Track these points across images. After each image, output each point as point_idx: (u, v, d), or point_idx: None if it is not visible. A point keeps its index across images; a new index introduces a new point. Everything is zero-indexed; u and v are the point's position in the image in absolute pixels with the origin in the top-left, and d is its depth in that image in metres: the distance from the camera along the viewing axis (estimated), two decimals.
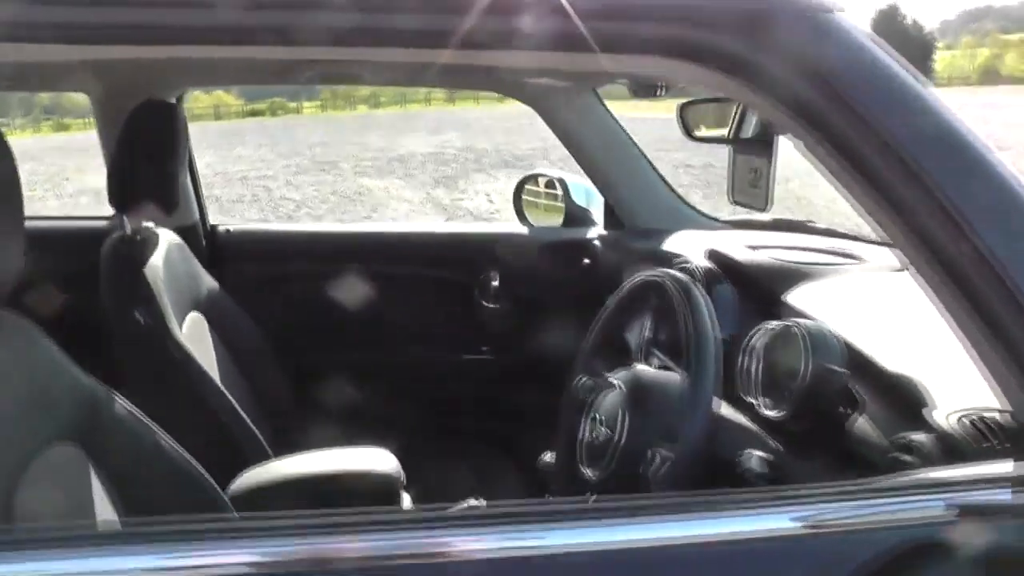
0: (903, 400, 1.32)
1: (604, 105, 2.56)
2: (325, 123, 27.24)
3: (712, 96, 1.92)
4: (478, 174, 15.07)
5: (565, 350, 2.73)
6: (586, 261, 2.62)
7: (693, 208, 2.70)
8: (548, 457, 1.84)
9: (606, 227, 2.73)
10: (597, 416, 1.46)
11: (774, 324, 1.54)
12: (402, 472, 1.74)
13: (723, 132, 1.88)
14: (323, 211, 11.87)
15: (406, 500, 1.78)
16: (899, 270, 1.85)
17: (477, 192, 13.26)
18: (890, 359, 1.39)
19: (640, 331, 1.77)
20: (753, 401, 1.53)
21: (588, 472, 1.46)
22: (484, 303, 2.64)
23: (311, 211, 11.84)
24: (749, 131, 1.83)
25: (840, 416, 1.37)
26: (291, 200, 12.74)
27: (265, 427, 1.97)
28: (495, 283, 2.63)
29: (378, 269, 2.57)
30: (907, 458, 1.18)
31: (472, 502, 1.96)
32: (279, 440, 1.99)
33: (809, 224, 2.49)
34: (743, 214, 2.78)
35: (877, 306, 1.70)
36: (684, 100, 1.94)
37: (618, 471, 1.38)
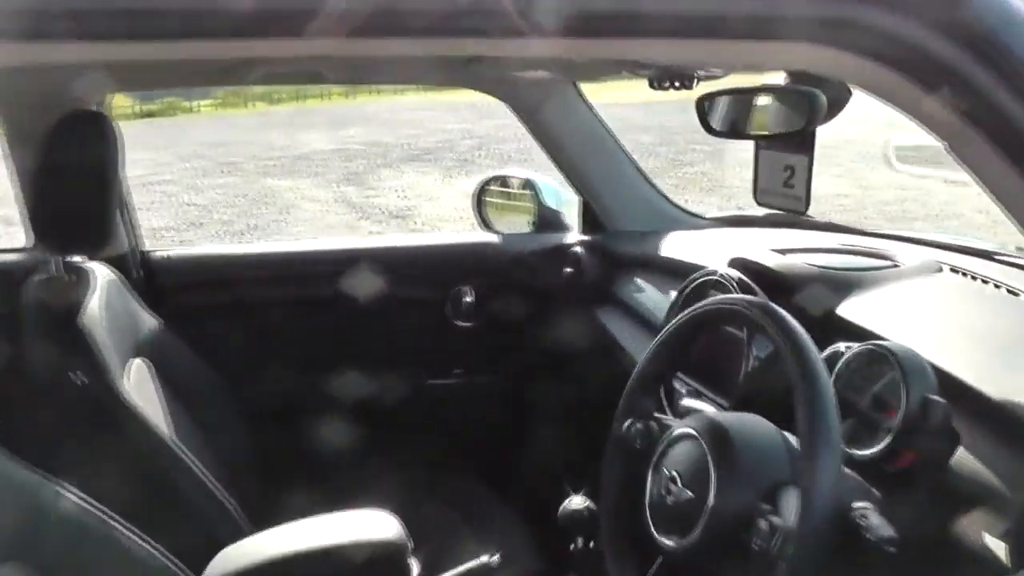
0: (1007, 428, 1.12)
1: (585, 99, 2.32)
2: (223, 122, 26.37)
3: (734, 88, 1.69)
4: (385, 169, 14.65)
5: (552, 370, 2.50)
6: (568, 269, 2.36)
7: (677, 206, 2.47)
8: (577, 504, 1.59)
9: (583, 231, 2.49)
10: (670, 472, 1.20)
11: (849, 347, 1.32)
12: (407, 536, 1.49)
13: (749, 128, 1.65)
14: (231, 215, 11.33)
15: (414, 569, 1.53)
16: (936, 271, 1.65)
17: (388, 188, 12.89)
18: (984, 381, 1.19)
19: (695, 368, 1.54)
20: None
21: (664, 539, 1.20)
22: (456, 322, 2.37)
23: (220, 216, 11.31)
24: (781, 126, 1.60)
25: (942, 453, 1.15)
26: (196, 205, 12.17)
27: (232, 490, 1.68)
28: (468, 299, 2.36)
29: (337, 291, 2.29)
30: None
31: (485, 559, 1.71)
32: (248, 503, 1.71)
33: (807, 219, 2.30)
34: (729, 211, 2.58)
35: (944, 318, 1.48)
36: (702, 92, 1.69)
37: (710, 539, 1.13)
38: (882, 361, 1.22)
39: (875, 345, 1.25)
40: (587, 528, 1.59)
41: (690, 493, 1.16)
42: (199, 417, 1.90)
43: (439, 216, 10.57)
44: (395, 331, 2.36)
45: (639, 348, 1.98)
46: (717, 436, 1.17)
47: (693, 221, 2.45)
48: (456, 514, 1.94)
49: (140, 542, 1.27)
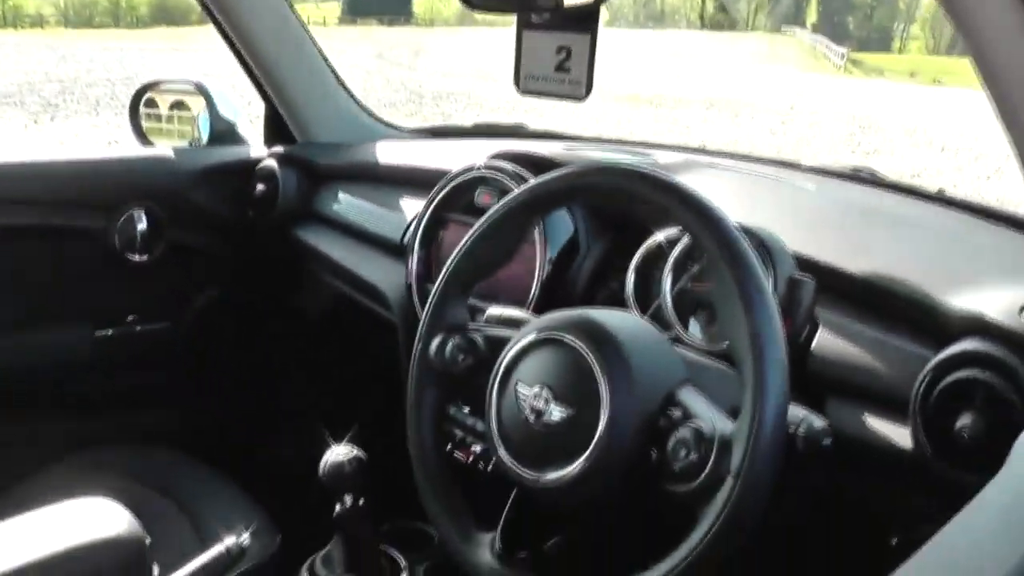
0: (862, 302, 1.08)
1: None
2: None
3: None
4: None
5: (255, 305, 2.14)
6: (260, 187, 2.01)
7: (376, 117, 2.20)
8: (341, 455, 1.30)
9: (267, 143, 2.15)
10: (533, 388, 0.96)
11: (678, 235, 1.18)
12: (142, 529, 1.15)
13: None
14: None
15: (154, 569, 1.19)
16: (710, 167, 1.57)
17: None
18: (829, 258, 1.14)
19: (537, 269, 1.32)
20: (681, 331, 1.16)
21: (531, 473, 0.95)
22: (128, 255, 1.93)
23: None
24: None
25: (807, 335, 1.08)
26: None
27: None
28: (141, 226, 1.93)
29: None
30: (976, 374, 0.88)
31: (234, 540, 1.40)
32: None
33: (523, 128, 2.14)
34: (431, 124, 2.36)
35: (754, 204, 1.38)
36: None
37: (604, 464, 0.90)
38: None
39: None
40: (354, 482, 1.31)
41: (569, 410, 0.93)
42: None
43: None
44: (47, 271, 1.88)
45: (370, 267, 1.73)
46: (598, 334, 0.94)
47: (395, 132, 2.20)
48: (176, 496, 1.56)
49: None
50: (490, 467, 1.39)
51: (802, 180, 1.53)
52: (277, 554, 1.48)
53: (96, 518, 1.14)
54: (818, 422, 0.93)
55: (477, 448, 1.42)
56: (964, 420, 0.86)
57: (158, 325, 2.02)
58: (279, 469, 1.84)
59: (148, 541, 1.14)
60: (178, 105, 2.18)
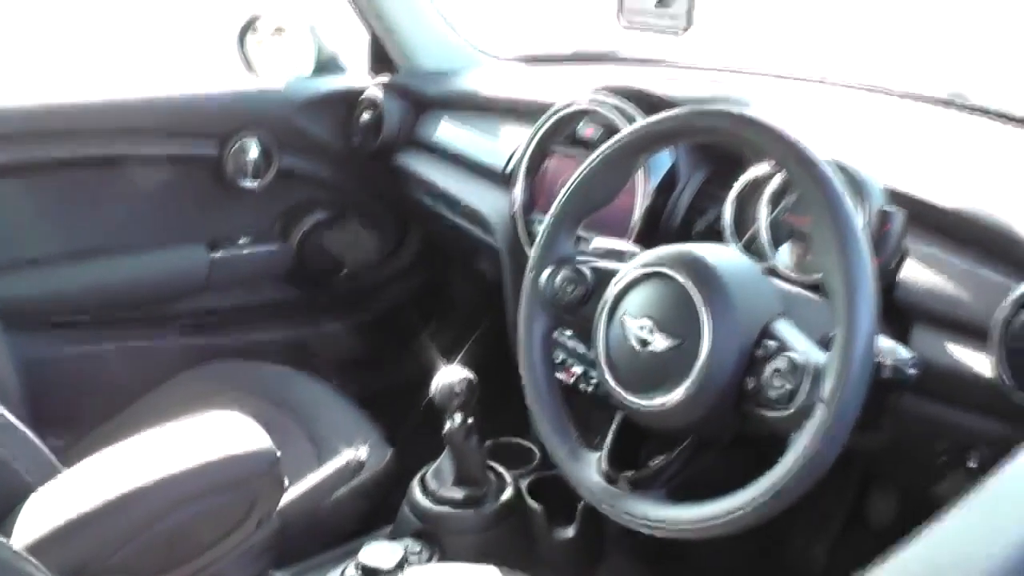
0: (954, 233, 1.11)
1: None
2: None
3: None
4: None
5: (363, 230, 2.23)
6: (365, 116, 2.08)
7: (474, 45, 2.24)
8: (453, 376, 1.39)
9: (371, 71, 2.21)
10: (639, 318, 1.03)
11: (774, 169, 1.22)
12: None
13: None
14: None
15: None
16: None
17: None
18: (944, 195, 1.15)
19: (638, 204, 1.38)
20: (776, 262, 1.21)
21: (637, 398, 1.03)
22: (240, 181, 2.03)
23: None
24: None
25: (896, 263, 1.13)
26: None
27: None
28: (252, 154, 2.02)
29: (84, 153, 1.88)
30: None
31: (352, 453, 1.50)
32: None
33: (615, 54, 2.16)
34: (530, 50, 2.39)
35: (845, 133, 1.40)
36: None
37: (705, 390, 0.98)
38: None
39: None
40: (462, 401, 1.39)
41: (673, 340, 1.00)
42: None
43: None
44: (165, 197, 1.99)
45: (473, 195, 1.79)
46: (701, 270, 1.01)
47: (492, 59, 2.24)
48: (293, 410, 1.68)
49: None
50: (590, 388, 1.47)
51: (895, 105, 1.55)
52: (390, 467, 1.58)
53: (230, 432, 1.24)
54: (904, 353, 0.98)
55: (578, 369, 1.50)
56: None
57: (269, 247, 2.13)
58: (391, 386, 1.94)
59: (279, 454, 1.24)
60: (281, 35, 2.25)
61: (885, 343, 0.99)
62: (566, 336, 1.48)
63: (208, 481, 1.18)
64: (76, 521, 1.09)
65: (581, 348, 1.48)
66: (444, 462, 1.45)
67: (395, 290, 2.28)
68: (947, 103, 1.58)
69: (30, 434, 1.24)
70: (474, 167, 1.83)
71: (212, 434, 1.24)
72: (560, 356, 1.50)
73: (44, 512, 1.12)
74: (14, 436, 1.22)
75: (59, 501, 1.13)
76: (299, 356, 1.95)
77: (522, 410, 1.22)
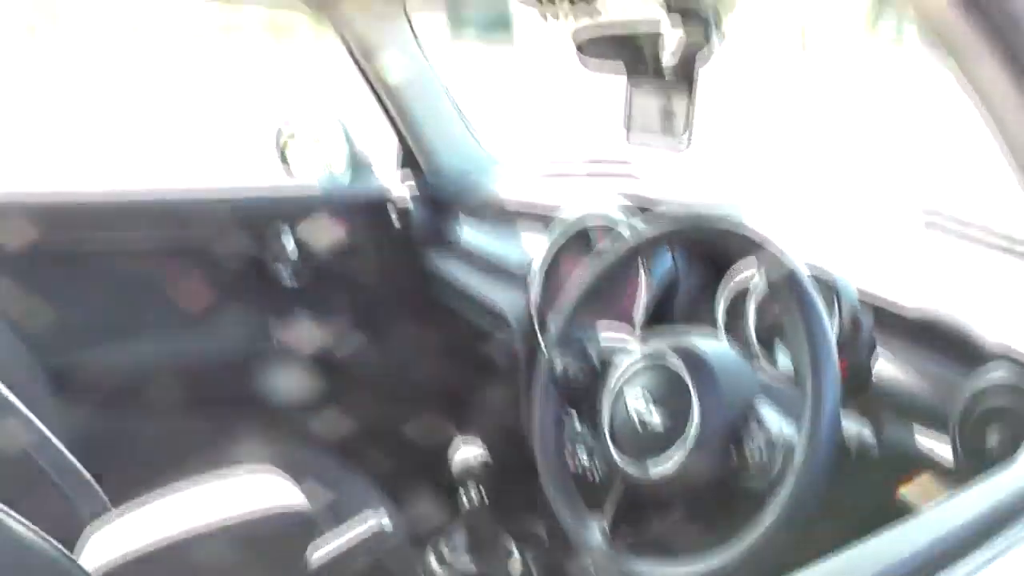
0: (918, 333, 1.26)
1: (416, 37, 2.21)
2: None
3: (614, 22, 1.67)
4: None
5: (394, 321, 2.40)
6: (395, 217, 2.26)
7: (495, 153, 2.44)
8: (470, 453, 1.53)
9: (399, 175, 2.40)
10: (639, 397, 1.18)
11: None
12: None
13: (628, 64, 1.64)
14: None
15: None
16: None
17: None
18: (910, 302, 1.31)
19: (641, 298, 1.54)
20: (761, 356, 1.36)
21: (634, 468, 1.18)
22: (277, 276, 2.20)
23: None
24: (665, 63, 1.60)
25: (867, 359, 1.28)
26: None
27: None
28: (290, 249, 2.19)
29: (137, 245, 2.06)
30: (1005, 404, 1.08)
31: (374, 522, 1.62)
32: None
33: (625, 162, 2.35)
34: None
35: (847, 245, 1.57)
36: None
37: (692, 461, 1.12)
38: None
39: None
40: (478, 475, 1.53)
41: (667, 417, 1.15)
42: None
43: None
44: (208, 287, 2.16)
45: (495, 294, 1.95)
46: (693, 357, 1.17)
47: (511, 166, 2.42)
48: (316, 479, 1.81)
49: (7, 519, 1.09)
50: (597, 479, 1.61)
51: (877, 223, 1.72)
52: (404, 536, 1.71)
53: (269, 488, 1.37)
54: (867, 434, 1.13)
55: (584, 458, 1.64)
56: (993, 438, 1.05)
57: (300, 344, 2.28)
58: (407, 462, 2.06)
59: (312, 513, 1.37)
60: (316, 138, 2.45)
61: (852, 425, 1.14)
62: (574, 419, 1.63)
63: (246, 534, 1.30)
64: (133, 557, 1.22)
65: (585, 430, 1.63)
66: (456, 532, 1.58)
67: (414, 377, 2.42)
68: (928, 224, 1.74)
69: (87, 474, 1.38)
70: (495, 268, 2.01)
71: (254, 489, 1.36)
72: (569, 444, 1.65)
73: (102, 549, 1.24)
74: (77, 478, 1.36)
75: (116, 539, 1.26)
76: (323, 433, 2.09)
77: (530, 484, 1.36)
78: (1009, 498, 0.76)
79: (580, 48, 1.69)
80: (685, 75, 1.61)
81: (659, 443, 1.15)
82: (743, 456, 1.11)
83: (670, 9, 1.59)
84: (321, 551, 1.54)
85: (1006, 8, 0.82)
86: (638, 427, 1.17)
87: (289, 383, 2.26)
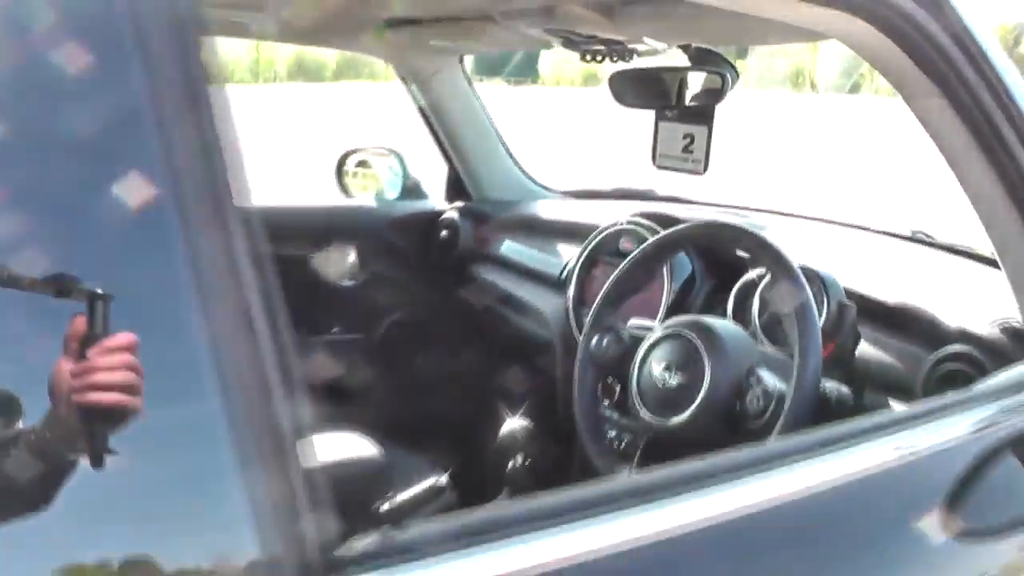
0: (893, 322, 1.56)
1: (467, 74, 2.53)
2: None
3: (646, 67, 1.97)
4: None
5: (434, 330, 2.68)
6: (444, 233, 2.56)
7: (535, 180, 2.73)
8: (516, 425, 1.81)
9: (448, 198, 2.70)
10: (661, 363, 1.46)
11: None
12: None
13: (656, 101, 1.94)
14: None
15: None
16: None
17: None
18: (887, 296, 1.61)
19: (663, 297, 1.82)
20: (763, 338, 1.64)
21: (657, 419, 1.45)
22: (337, 281, 2.49)
23: None
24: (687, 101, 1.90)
25: (852, 343, 1.56)
26: None
27: None
28: (350, 259, 2.49)
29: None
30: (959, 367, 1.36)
31: (435, 479, 1.89)
32: None
33: (651, 193, 2.63)
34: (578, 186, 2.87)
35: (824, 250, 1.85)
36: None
37: (704, 413, 1.40)
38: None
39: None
40: (525, 447, 1.81)
41: (684, 378, 1.43)
42: None
43: None
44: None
45: (535, 295, 2.24)
46: (705, 330, 1.45)
47: (548, 192, 2.72)
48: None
49: None
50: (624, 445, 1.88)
51: (868, 238, 2.00)
52: (458, 494, 1.97)
53: (350, 443, 1.65)
54: (845, 390, 1.41)
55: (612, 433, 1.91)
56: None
57: (355, 336, 2.57)
58: (463, 439, 2.33)
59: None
60: (378, 166, 2.76)
61: (833, 384, 1.42)
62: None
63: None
64: None
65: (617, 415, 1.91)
66: (503, 492, 1.86)
67: (458, 375, 2.69)
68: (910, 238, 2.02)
69: None
70: (534, 275, 2.29)
71: (340, 442, 1.64)
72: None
73: None
74: None
75: None
76: (375, 426, 2.36)
77: (566, 451, 1.64)
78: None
79: (616, 87, 1.99)
80: (704, 111, 1.91)
81: (678, 399, 1.43)
82: (744, 405, 1.39)
83: (692, 60, 1.91)
84: (388, 502, 1.82)
85: (935, 42, 1.10)
86: (660, 387, 1.46)
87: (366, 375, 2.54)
